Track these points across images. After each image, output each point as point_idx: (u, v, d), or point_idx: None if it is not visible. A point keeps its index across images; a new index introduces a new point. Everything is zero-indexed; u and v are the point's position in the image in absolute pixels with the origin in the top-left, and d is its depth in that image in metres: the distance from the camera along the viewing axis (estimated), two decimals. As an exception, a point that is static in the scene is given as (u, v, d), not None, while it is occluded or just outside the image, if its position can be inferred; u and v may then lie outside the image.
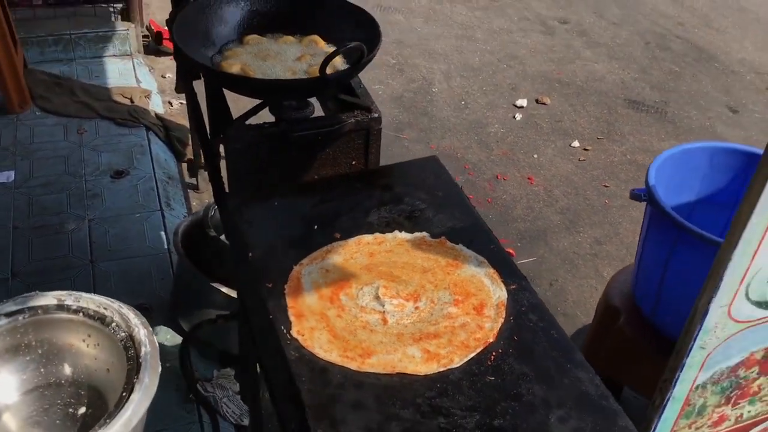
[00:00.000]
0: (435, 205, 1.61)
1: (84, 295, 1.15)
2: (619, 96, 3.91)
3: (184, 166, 3.17)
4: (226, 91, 1.91)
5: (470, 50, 4.22)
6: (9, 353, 1.17)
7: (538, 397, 1.25)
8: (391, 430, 1.18)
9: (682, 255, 1.63)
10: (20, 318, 1.06)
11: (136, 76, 3.52)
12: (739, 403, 1.62)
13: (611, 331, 1.92)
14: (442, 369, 1.28)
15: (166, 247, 2.65)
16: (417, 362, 1.29)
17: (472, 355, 1.30)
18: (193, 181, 3.07)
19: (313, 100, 1.95)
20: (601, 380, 1.28)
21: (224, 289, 2.23)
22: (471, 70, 4.05)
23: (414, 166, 1.77)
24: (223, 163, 1.90)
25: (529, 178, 3.34)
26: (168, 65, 3.75)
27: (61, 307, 1.11)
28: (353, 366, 1.27)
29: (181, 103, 3.45)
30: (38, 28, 3.49)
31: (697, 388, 1.50)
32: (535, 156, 3.48)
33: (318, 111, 1.91)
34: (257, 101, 1.86)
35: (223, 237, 2.39)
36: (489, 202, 3.16)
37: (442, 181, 1.69)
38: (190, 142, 3.16)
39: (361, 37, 1.74)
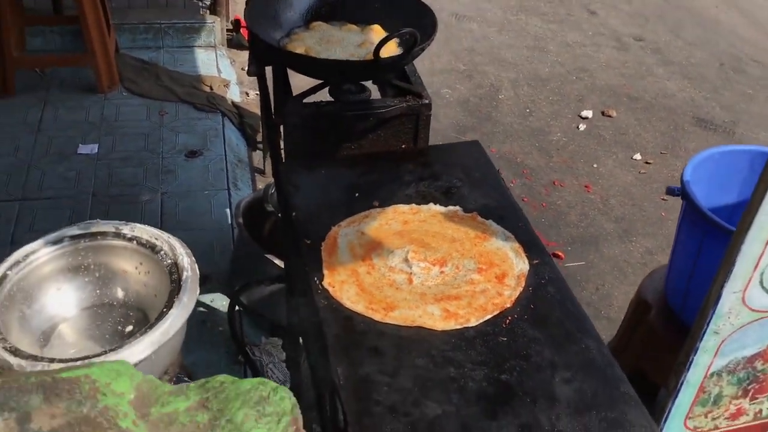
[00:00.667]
0: (471, 184, 1.71)
1: (138, 225, 1.30)
2: (687, 113, 3.90)
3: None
4: (292, 76, 2.06)
5: (540, 61, 4.29)
6: (71, 272, 1.33)
7: (546, 359, 1.33)
8: (403, 374, 1.28)
9: (710, 249, 1.67)
10: (82, 242, 1.21)
11: (217, 66, 3.73)
12: (757, 398, 1.65)
13: (641, 325, 1.97)
14: (458, 327, 1.37)
15: (229, 222, 2.82)
16: (436, 319, 1.39)
17: (488, 317, 1.40)
18: (261, 165, 3.24)
19: (372, 89, 2.08)
20: (630, 375, 1.34)
21: (277, 261, 2.37)
22: (539, 80, 4.11)
23: (456, 148, 1.88)
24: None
25: (586, 186, 3.38)
26: (248, 59, 3.95)
27: (118, 234, 1.26)
28: (377, 317, 1.38)
29: (257, 93, 3.63)
30: (131, 16, 3.74)
31: (712, 375, 1.54)
32: (595, 166, 3.52)
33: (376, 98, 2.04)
34: (318, 83, 2.01)
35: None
36: (543, 206, 3.21)
37: (481, 164, 1.79)
38: (261, 130, 3.34)
39: (417, 26, 1.86)
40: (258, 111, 3.43)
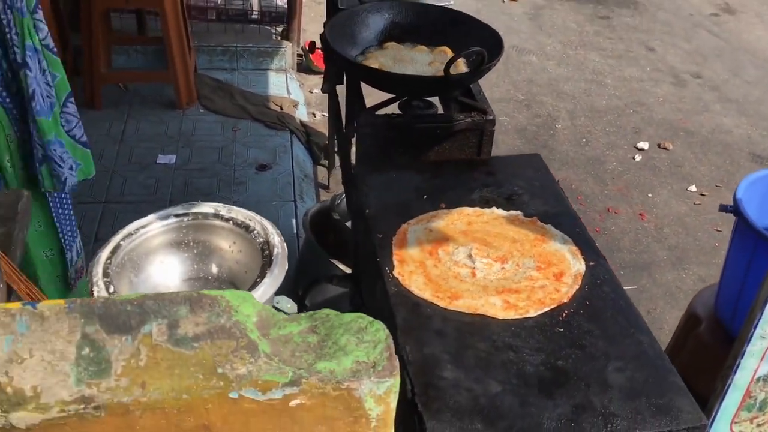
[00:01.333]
0: (531, 192, 1.83)
1: (235, 207, 1.45)
2: (743, 149, 3.95)
3: (319, 168, 3.51)
4: (364, 91, 2.22)
5: (598, 94, 4.39)
6: (173, 247, 1.48)
7: (600, 350, 1.43)
8: (465, 354, 1.39)
9: (760, 264, 1.75)
10: (185, 219, 1.37)
11: (287, 88, 3.94)
12: (802, 407, 1.71)
13: (691, 338, 2.03)
14: (518, 317, 1.48)
15: (294, 232, 2.98)
16: (497, 309, 1.50)
17: (546, 309, 1.50)
18: (324, 181, 3.41)
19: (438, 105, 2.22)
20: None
21: (341, 266, 2.51)
22: (596, 112, 4.21)
23: (518, 160, 2.00)
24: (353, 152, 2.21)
25: (640, 215, 3.45)
26: (315, 82, 4.15)
27: (216, 215, 1.41)
28: (442, 304, 1.50)
29: (323, 114, 3.82)
30: (210, 39, 3.98)
31: (758, 380, 1.61)
32: (650, 195, 3.59)
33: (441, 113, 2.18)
34: (389, 96, 2.16)
35: (347, 224, 2.68)
36: (597, 231, 3.30)
37: (541, 174, 1.90)
38: (326, 147, 3.51)
39: (484, 47, 2.00)
40: (324, 130, 3.61)
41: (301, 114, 3.80)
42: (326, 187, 3.37)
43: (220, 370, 0.78)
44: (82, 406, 0.75)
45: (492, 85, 4.27)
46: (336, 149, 2.94)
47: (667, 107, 4.32)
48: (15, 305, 0.78)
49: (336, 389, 0.80)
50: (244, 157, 3.38)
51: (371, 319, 0.87)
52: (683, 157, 3.89)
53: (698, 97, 4.46)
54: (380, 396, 0.81)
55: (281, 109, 3.74)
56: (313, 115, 3.90)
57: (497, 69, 4.40)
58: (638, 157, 3.86)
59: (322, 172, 3.51)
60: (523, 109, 4.17)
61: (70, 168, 1.79)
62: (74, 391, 0.76)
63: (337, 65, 2.39)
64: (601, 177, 3.70)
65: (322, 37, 2.38)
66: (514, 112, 4.12)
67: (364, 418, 0.82)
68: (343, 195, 2.67)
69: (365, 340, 0.84)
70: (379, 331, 0.86)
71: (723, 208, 1.88)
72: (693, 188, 3.63)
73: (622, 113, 4.23)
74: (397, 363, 0.85)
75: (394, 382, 0.83)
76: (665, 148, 3.95)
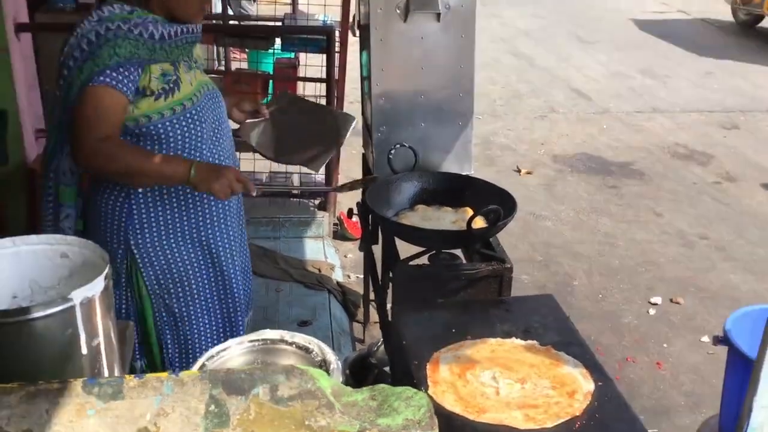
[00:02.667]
0: (545, 326, 2.11)
1: (297, 334, 1.76)
2: (751, 303, 4.20)
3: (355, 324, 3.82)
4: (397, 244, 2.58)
5: (611, 255, 4.73)
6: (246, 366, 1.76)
7: (608, 454, 1.66)
8: (492, 457, 1.63)
9: (752, 386, 1.98)
10: (256, 344, 1.68)
11: (324, 253, 4.34)
12: None
13: (701, 461, 2.21)
14: (537, 427, 1.73)
15: (334, 380, 3.24)
16: (519, 421, 1.75)
17: (561, 421, 1.75)
18: (360, 335, 3.70)
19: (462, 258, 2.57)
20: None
21: (379, 406, 2.74)
22: (610, 270, 4.53)
23: (534, 299, 2.31)
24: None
25: (657, 363, 3.67)
26: (350, 248, 4.56)
27: (282, 340, 1.72)
28: (471, 417, 1.76)
29: (358, 276, 4.18)
30: (256, 212, 4.44)
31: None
32: (665, 346, 3.82)
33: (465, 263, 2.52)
34: (419, 249, 2.52)
35: (385, 368, 2.94)
36: (617, 378, 3.51)
37: (554, 311, 2.20)
38: (361, 306, 3.83)
39: (500, 206, 2.37)
40: (358, 290, 3.95)
41: (338, 276, 4.17)
42: (362, 341, 3.65)
43: (307, 422, 1.07)
44: (208, 449, 1.04)
45: (512, 247, 4.63)
46: (373, 301, 3.25)
47: (677, 266, 4.63)
48: (164, 374, 1.09)
49: (392, 438, 1.08)
50: (287, 314, 3.70)
51: (415, 390, 1.16)
52: (695, 311, 4.15)
53: (706, 256, 4.78)
54: (424, 445, 1.09)
55: (320, 271, 4.12)
56: (348, 276, 4.27)
57: (516, 233, 4.81)
58: (652, 311, 4.13)
59: (357, 327, 3.81)
60: (542, 268, 4.51)
61: None
62: (203, 438, 1.05)
63: (374, 225, 2.78)
64: (619, 329, 3.95)
65: (361, 201, 2.79)
66: (533, 271, 4.45)
67: (412, 462, 1.09)
68: (380, 342, 2.96)
69: (412, 404, 1.13)
70: (422, 398, 1.14)
71: (716, 340, 2.14)
72: (705, 339, 3.86)
73: (635, 272, 4.54)
74: (436, 421, 1.13)
75: (435, 433, 1.11)
76: (677, 303, 4.22)
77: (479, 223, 2.44)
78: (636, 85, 8.35)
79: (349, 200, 4.72)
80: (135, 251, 2.14)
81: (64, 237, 1.40)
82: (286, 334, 1.73)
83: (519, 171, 5.99)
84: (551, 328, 2.11)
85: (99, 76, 1.92)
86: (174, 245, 2.18)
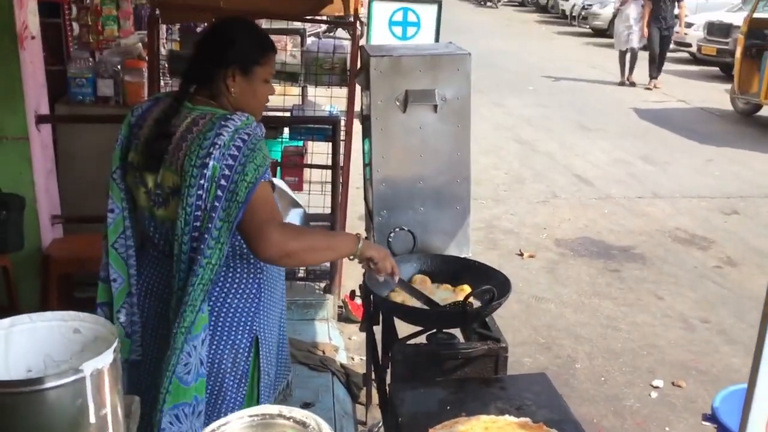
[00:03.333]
0: (538, 404, 2.17)
1: (295, 409, 1.83)
2: (754, 386, 4.21)
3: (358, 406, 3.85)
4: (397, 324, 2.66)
5: (613, 337, 4.77)
6: (246, 439, 1.83)
7: None
8: None
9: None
10: (255, 419, 1.75)
11: (329, 335, 4.40)
12: None
13: None
14: (527, 502, 1.78)
15: (336, 462, 3.25)
16: (510, 495, 1.80)
17: (551, 494, 1.80)
18: (363, 418, 3.73)
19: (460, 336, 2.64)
20: None
21: (379, 485, 2.77)
22: (612, 353, 4.56)
23: (527, 377, 2.37)
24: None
25: (659, 446, 3.67)
26: (354, 330, 4.62)
27: (280, 415, 1.79)
28: (464, 489, 1.80)
29: (361, 358, 4.23)
30: (262, 294, 4.53)
31: None
32: (667, 429, 3.83)
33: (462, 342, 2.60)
34: (418, 330, 2.60)
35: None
36: (620, 461, 3.51)
37: (546, 389, 2.26)
38: (364, 387, 3.87)
39: (495, 287, 2.46)
40: (361, 371, 3.99)
41: (341, 357, 4.22)
42: (364, 423, 3.68)
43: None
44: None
45: (515, 330, 4.69)
46: (373, 379, 3.30)
47: (678, 349, 4.66)
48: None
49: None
50: (292, 395, 3.73)
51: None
52: (696, 394, 4.16)
53: (707, 340, 4.81)
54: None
55: (324, 353, 4.17)
56: (352, 358, 4.32)
57: (519, 316, 4.88)
58: (654, 394, 4.14)
59: (360, 409, 3.84)
60: (545, 351, 4.55)
61: None
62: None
63: (375, 306, 2.87)
64: (621, 413, 3.96)
65: (362, 284, 2.88)
66: (535, 353, 4.49)
67: None
68: (380, 423, 3.00)
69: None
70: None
71: (704, 417, 2.19)
72: (707, 423, 3.85)
73: (637, 355, 4.57)
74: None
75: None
76: (679, 386, 4.23)
77: (476, 303, 2.52)
78: (637, 172, 8.53)
79: (352, 284, 4.82)
80: (261, 340, 2.33)
81: (77, 313, 1.50)
82: (284, 409, 1.80)
83: (522, 254, 6.08)
84: (544, 405, 2.17)
85: (265, 173, 2.13)
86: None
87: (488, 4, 30.35)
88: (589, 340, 4.73)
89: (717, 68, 15.12)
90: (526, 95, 12.64)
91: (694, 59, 16.30)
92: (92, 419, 1.34)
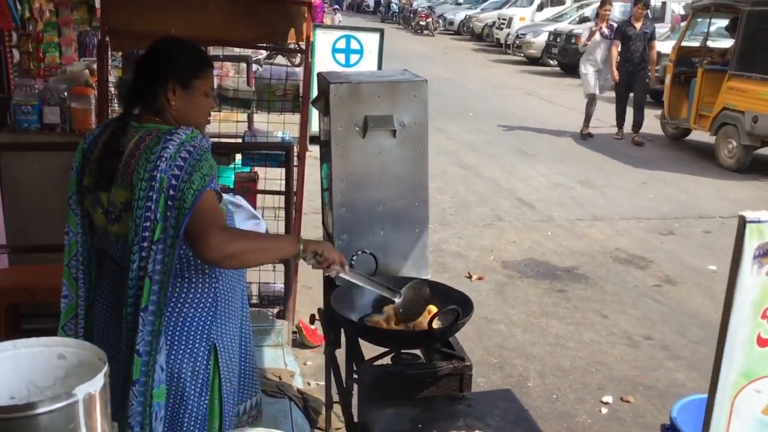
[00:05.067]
0: (506, 419, 2.24)
1: (260, 428, 1.86)
2: (698, 398, 4.38)
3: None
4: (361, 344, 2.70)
5: (562, 356, 4.90)
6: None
7: None
8: None
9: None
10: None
11: (284, 361, 4.38)
12: None
13: None
14: None
15: (298, 487, 3.24)
16: None
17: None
18: (323, 443, 3.73)
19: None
20: None
21: None
22: (562, 371, 4.68)
23: (493, 394, 2.44)
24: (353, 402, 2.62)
25: (612, 461, 3.77)
26: (308, 356, 4.63)
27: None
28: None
29: (318, 383, 4.24)
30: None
31: None
32: (619, 443, 3.94)
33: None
34: (380, 351, 2.64)
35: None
36: (575, 477, 3.59)
37: (511, 405, 2.33)
38: (323, 413, 3.87)
39: (459, 306, 2.53)
40: (320, 396, 3.99)
41: (298, 383, 4.21)
42: (324, 448, 3.68)
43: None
44: None
45: (468, 351, 4.67)
46: (337, 402, 3.30)
47: (624, 365, 4.82)
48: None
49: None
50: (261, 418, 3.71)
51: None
52: (645, 408, 4.31)
53: (651, 356, 4.98)
54: None
55: (280, 379, 4.15)
56: (308, 383, 4.31)
57: (471, 336, 4.95)
58: (605, 410, 4.27)
59: (318, 434, 3.84)
60: (497, 370, 4.63)
61: None
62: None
63: (337, 329, 2.90)
64: (574, 429, 4.07)
65: (323, 307, 2.91)
66: (489, 373, 4.57)
67: None
68: (344, 447, 3.01)
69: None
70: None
71: (663, 428, 2.29)
72: (659, 435, 3.99)
73: (586, 372, 4.70)
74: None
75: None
76: (628, 401, 4.37)
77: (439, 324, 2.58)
78: (576, 195, 8.78)
79: (306, 309, 4.83)
80: (219, 348, 2.37)
81: (62, 339, 1.51)
82: (264, 431, 1.83)
83: (470, 277, 6.19)
84: (511, 421, 2.24)
85: (211, 182, 2.19)
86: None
87: (425, 32, 30.85)
88: (539, 359, 4.84)
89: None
90: (467, 121, 12.89)
91: (625, 86, 16.90)
92: (83, 444, 1.34)
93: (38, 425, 1.29)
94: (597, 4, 20.51)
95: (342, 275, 2.47)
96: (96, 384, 1.36)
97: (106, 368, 1.40)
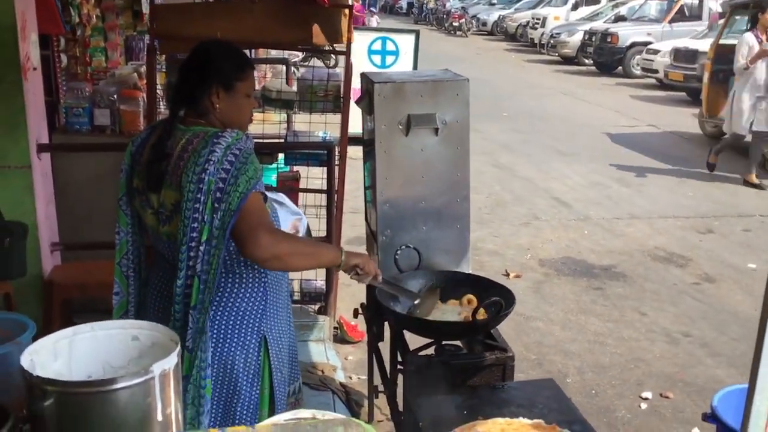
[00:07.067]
0: (548, 407, 2.30)
1: (328, 412, 1.94)
2: (738, 395, 4.38)
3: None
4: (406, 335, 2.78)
5: (601, 352, 4.93)
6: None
7: None
8: None
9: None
10: (291, 422, 1.86)
11: (326, 355, 4.49)
12: None
13: None
14: (547, 495, 1.90)
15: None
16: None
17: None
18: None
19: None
20: None
21: (391, 496, 2.86)
22: (601, 368, 4.71)
23: (536, 383, 2.51)
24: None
25: (652, 455, 3.80)
26: (349, 351, 4.73)
27: (313, 417, 1.90)
28: (487, 487, 1.92)
29: (359, 377, 4.33)
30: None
31: None
32: (659, 438, 3.97)
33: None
34: (426, 342, 2.72)
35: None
36: (615, 470, 3.64)
37: (555, 394, 2.39)
38: (365, 405, 3.97)
39: (501, 298, 2.60)
40: (361, 390, 4.09)
41: (339, 377, 4.31)
42: (367, 439, 3.77)
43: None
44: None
45: (506, 348, 4.81)
46: (383, 392, 3.37)
47: (664, 362, 4.83)
48: (241, 427, 1.28)
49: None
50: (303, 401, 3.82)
51: None
52: (684, 404, 4.32)
53: (690, 353, 4.99)
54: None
55: (322, 372, 4.26)
56: (350, 377, 4.41)
57: (509, 333, 4.99)
58: (644, 406, 4.29)
59: (361, 426, 3.93)
60: (536, 367, 4.68)
61: None
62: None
63: (383, 320, 2.98)
64: (613, 424, 4.10)
65: (367, 301, 3.00)
66: (528, 369, 4.62)
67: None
68: (389, 436, 3.10)
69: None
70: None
71: (704, 416, 2.33)
72: (696, 430, 4.01)
73: (625, 368, 4.73)
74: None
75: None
76: (667, 397, 4.39)
77: (483, 315, 2.66)
78: (613, 194, 8.77)
79: (346, 305, 4.93)
80: (269, 339, 2.46)
81: (137, 321, 1.61)
82: (317, 413, 1.91)
83: (508, 275, 6.24)
84: (554, 408, 2.30)
85: (256, 185, 2.26)
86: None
87: (458, 33, 30.87)
88: (578, 356, 4.87)
89: (683, 93, 15.56)
90: (501, 121, 12.91)
91: (661, 85, 16.79)
92: (159, 417, 1.45)
93: (117, 400, 1.39)
94: (633, 3, 20.22)
95: (373, 283, 2.56)
96: (170, 362, 1.46)
97: (178, 348, 1.50)
